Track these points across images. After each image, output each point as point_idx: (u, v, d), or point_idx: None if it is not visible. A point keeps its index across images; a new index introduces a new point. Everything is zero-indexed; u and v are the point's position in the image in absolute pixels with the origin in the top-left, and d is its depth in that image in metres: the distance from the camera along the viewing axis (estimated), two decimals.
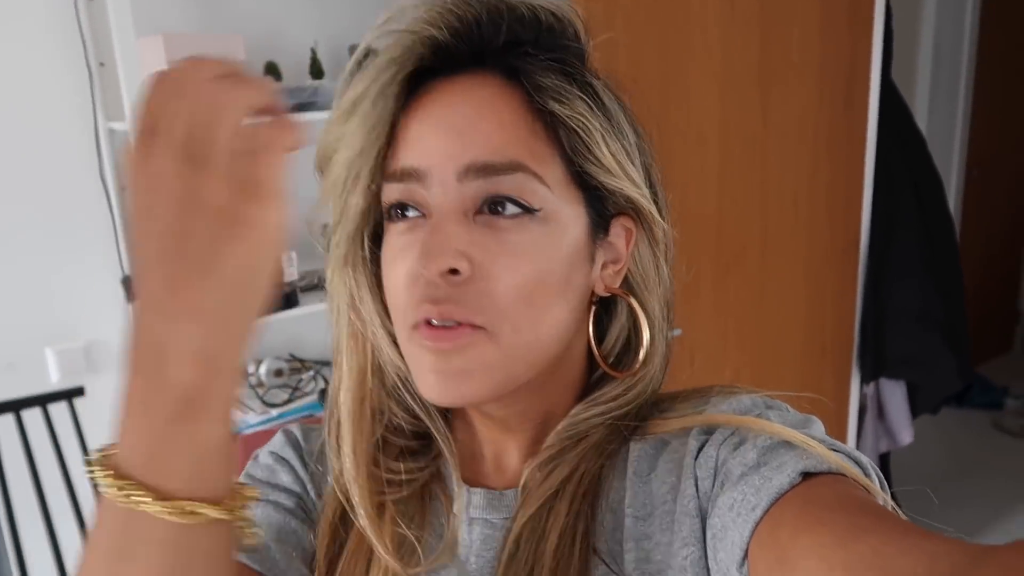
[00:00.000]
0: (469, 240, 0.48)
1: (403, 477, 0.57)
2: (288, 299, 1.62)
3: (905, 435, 2.32)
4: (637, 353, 0.56)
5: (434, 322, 0.49)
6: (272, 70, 1.69)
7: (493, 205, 0.49)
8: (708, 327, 1.84)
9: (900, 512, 0.43)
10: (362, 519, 0.55)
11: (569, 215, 0.52)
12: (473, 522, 0.57)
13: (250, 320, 0.38)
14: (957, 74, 3.34)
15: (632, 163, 0.54)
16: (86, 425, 1.60)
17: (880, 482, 0.46)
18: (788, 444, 0.47)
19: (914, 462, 2.81)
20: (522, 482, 0.55)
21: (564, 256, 0.51)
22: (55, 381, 1.67)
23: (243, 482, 0.53)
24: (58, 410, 1.57)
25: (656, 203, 0.56)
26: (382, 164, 0.51)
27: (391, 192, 0.51)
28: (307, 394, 1.81)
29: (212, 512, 0.37)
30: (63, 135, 1.60)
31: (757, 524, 0.42)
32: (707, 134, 1.77)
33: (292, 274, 1.67)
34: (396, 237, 0.51)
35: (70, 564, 1.50)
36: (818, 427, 0.50)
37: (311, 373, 1.87)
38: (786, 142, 1.91)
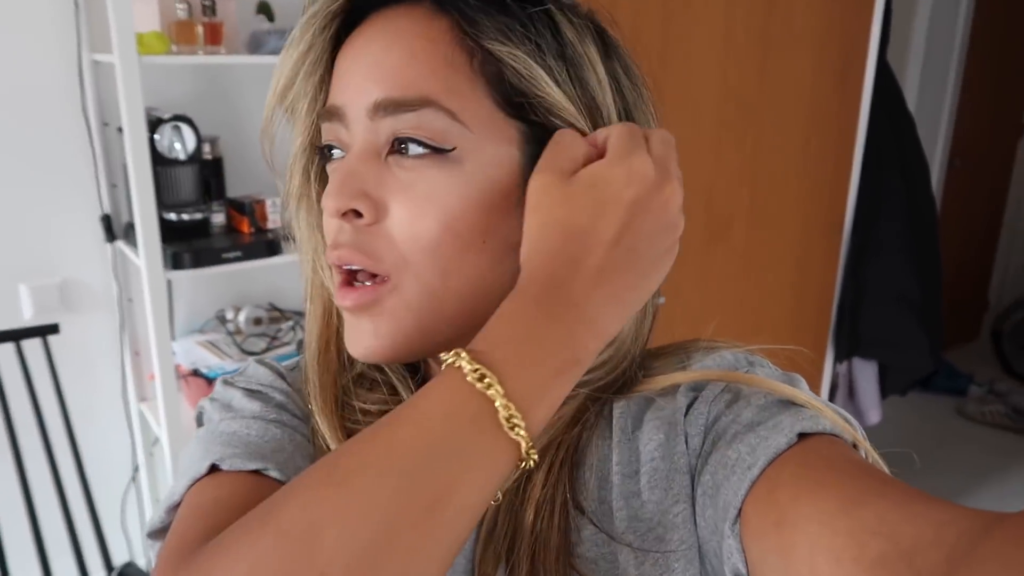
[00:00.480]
0: (376, 181, 0.46)
1: (387, 407, 0.54)
2: (270, 247, 1.59)
3: (873, 414, 2.36)
4: None
5: (354, 269, 0.47)
6: (264, 10, 1.64)
7: (400, 144, 0.46)
8: (692, 296, 1.85)
9: (887, 469, 0.43)
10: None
11: (492, 156, 0.47)
12: None
13: None
14: (947, 65, 3.36)
15: (604, 103, 0.49)
16: (59, 363, 1.57)
17: (866, 442, 0.46)
18: (783, 403, 0.46)
19: (878, 442, 2.86)
20: None
21: (481, 201, 0.47)
22: (28, 318, 1.64)
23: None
24: (31, 347, 1.54)
25: None
26: (323, 100, 0.49)
27: (323, 131, 0.50)
28: (286, 343, 1.79)
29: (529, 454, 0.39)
30: (44, 66, 1.55)
31: (753, 483, 0.41)
32: (704, 101, 1.76)
33: (276, 221, 1.65)
34: (330, 177, 0.50)
35: (38, 500, 1.48)
36: (802, 384, 0.49)
37: (290, 323, 1.85)
38: (781, 115, 1.91)
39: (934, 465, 2.88)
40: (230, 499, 0.45)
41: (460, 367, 0.38)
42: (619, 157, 0.45)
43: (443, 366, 0.40)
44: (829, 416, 0.44)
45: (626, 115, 0.52)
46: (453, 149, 0.46)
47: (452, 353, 0.39)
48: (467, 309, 0.49)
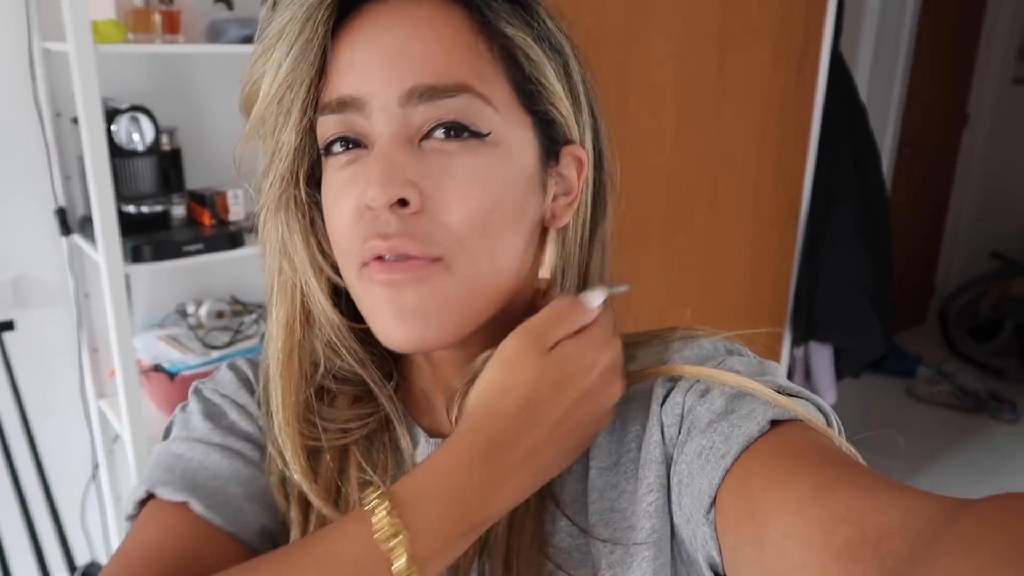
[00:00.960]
0: (417, 169, 0.46)
1: (350, 425, 0.55)
2: (232, 239, 1.57)
3: (829, 396, 2.43)
4: (575, 282, 0.54)
5: (385, 257, 0.46)
6: None
7: (439, 130, 0.46)
8: (654, 284, 1.88)
9: (860, 458, 0.44)
10: (296, 474, 0.52)
11: (519, 139, 0.49)
12: None
13: None
14: (896, 52, 3.44)
15: (580, 94, 0.52)
16: (14, 362, 1.53)
17: (839, 427, 0.47)
18: (757, 393, 0.46)
19: None
20: (454, 411, 0.52)
21: (516, 182, 0.49)
22: None
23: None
24: None
25: (598, 139, 0.54)
26: (315, 96, 0.47)
27: (327, 125, 0.48)
28: (249, 337, 1.77)
29: None
30: None
31: (727, 472, 0.42)
32: (665, 93, 1.79)
33: (238, 213, 1.62)
34: (336, 173, 0.48)
35: None
36: (778, 371, 0.50)
37: (253, 316, 1.83)
38: (740, 105, 1.94)
39: (886, 444, 2.98)
40: (156, 537, 0.49)
41: (375, 516, 0.42)
42: (595, 344, 0.49)
43: (364, 505, 0.43)
44: (796, 408, 0.44)
45: (591, 109, 0.54)
46: (489, 134, 0.47)
47: (376, 495, 0.42)
48: (504, 289, 0.50)
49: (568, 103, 0.51)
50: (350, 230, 0.47)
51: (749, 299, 2.17)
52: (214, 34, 1.52)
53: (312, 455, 0.54)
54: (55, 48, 1.45)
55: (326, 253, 0.52)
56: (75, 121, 1.42)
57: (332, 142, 0.48)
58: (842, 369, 2.43)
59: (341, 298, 0.53)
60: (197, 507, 0.49)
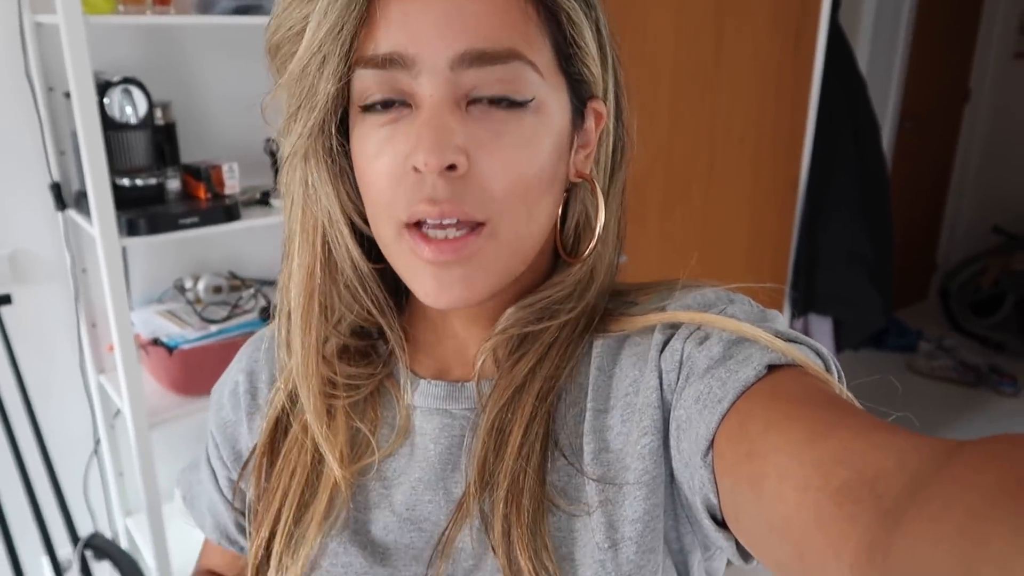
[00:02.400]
0: (465, 134, 0.46)
1: (356, 382, 0.57)
2: (228, 212, 1.56)
3: (843, 380, 2.44)
4: (592, 236, 0.55)
5: (428, 221, 0.47)
6: None
7: (487, 96, 0.47)
8: (653, 256, 1.87)
9: (857, 402, 0.44)
10: (309, 416, 0.55)
11: (556, 103, 0.50)
12: (431, 412, 0.57)
13: None
14: (897, 25, 3.41)
15: (606, 48, 0.53)
16: (13, 337, 1.54)
17: (839, 373, 0.47)
18: (753, 339, 0.47)
19: None
20: (479, 363, 0.55)
21: (553, 147, 0.50)
22: None
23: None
24: None
25: (619, 91, 0.56)
26: (355, 46, 0.47)
27: (368, 79, 0.47)
28: (247, 311, 1.77)
29: None
30: None
31: (724, 416, 0.43)
32: (661, 65, 1.77)
33: (234, 187, 1.62)
34: (374, 129, 0.48)
35: None
36: (779, 320, 0.51)
37: (251, 291, 1.83)
38: (736, 78, 1.93)
39: (885, 418, 2.98)
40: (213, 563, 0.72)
41: None
42: None
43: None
44: (793, 352, 0.45)
45: (614, 61, 0.55)
46: (533, 99, 0.48)
47: None
48: (536, 248, 0.52)
49: (598, 61, 0.52)
50: (391, 189, 0.48)
51: (748, 272, 2.17)
52: (205, 5, 1.51)
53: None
54: (45, 21, 1.44)
55: (351, 198, 0.53)
56: (68, 95, 1.42)
57: (371, 96, 0.48)
58: (842, 341, 2.44)
59: (364, 243, 0.55)
60: (222, 542, 0.68)
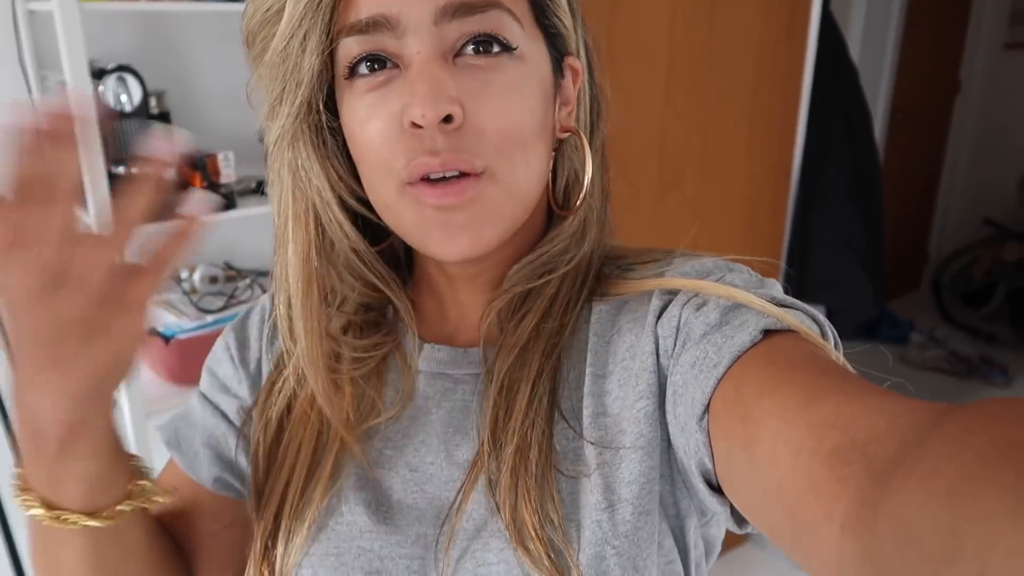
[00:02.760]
0: (456, 85, 0.47)
1: (363, 354, 0.58)
2: (225, 202, 1.57)
3: (840, 347, 2.45)
4: (581, 189, 0.56)
5: (432, 175, 0.48)
6: None
7: (473, 45, 0.48)
8: (647, 242, 1.88)
9: (851, 367, 0.44)
10: (319, 397, 0.56)
11: (538, 53, 0.52)
12: (435, 376, 0.58)
13: (108, 395, 0.45)
14: (888, 16, 3.43)
15: (575, 5, 0.55)
16: None
17: (835, 339, 0.47)
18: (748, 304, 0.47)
19: None
20: (485, 324, 0.56)
21: (540, 94, 0.51)
22: None
23: (147, 481, 0.55)
24: None
25: (588, 49, 0.57)
26: (334, 19, 0.47)
27: (351, 46, 0.48)
28: (242, 301, 1.77)
29: (85, 520, 0.48)
30: None
31: (719, 381, 0.43)
32: (654, 51, 1.78)
33: (229, 176, 1.62)
34: (363, 95, 0.49)
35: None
36: (777, 288, 0.51)
37: (247, 281, 1.83)
38: (729, 64, 1.93)
39: (880, 383, 3.00)
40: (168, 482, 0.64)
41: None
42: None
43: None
44: (788, 318, 0.45)
45: (582, 20, 0.56)
46: (516, 47, 0.49)
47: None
48: (534, 198, 0.53)
49: (569, 16, 0.53)
50: (388, 149, 0.48)
51: (741, 260, 2.18)
52: None
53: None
54: (39, 8, 1.44)
55: (342, 177, 0.54)
56: (62, 83, 1.42)
57: (357, 63, 0.48)
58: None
59: (359, 225, 0.56)
60: (179, 461, 0.64)
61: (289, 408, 0.60)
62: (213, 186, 1.60)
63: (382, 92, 0.48)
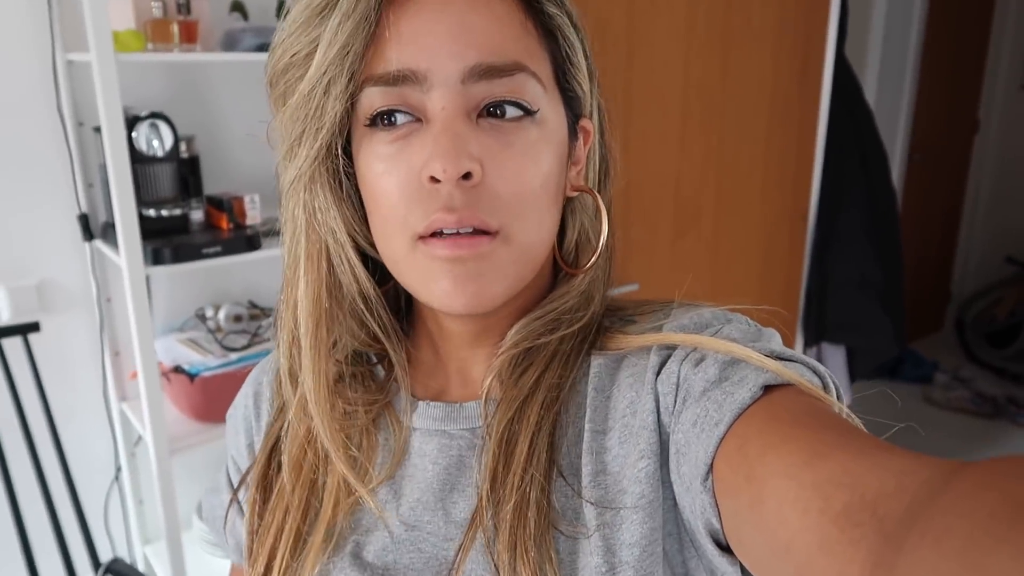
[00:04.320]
0: (478, 144, 0.47)
1: (354, 408, 0.57)
2: (249, 242, 1.61)
3: (843, 399, 2.43)
4: (593, 249, 0.56)
5: (446, 231, 0.48)
6: (238, 8, 1.67)
7: (497, 108, 0.48)
8: (662, 284, 1.90)
9: (856, 420, 0.44)
10: (325, 439, 0.54)
11: (557, 116, 0.52)
12: (430, 433, 0.57)
13: None
14: (904, 59, 3.46)
15: (593, 69, 0.55)
16: (40, 362, 1.58)
17: (837, 391, 0.47)
18: (747, 359, 0.46)
19: None
20: (489, 379, 0.55)
21: (556, 158, 0.52)
22: (5, 319, 1.64)
23: None
24: (11, 347, 1.54)
25: (600, 111, 0.57)
26: (361, 67, 0.48)
27: (376, 96, 0.48)
28: (266, 340, 1.80)
29: None
30: (18, 66, 1.56)
31: (721, 439, 0.42)
32: (669, 96, 1.82)
33: (255, 218, 1.66)
34: (383, 146, 0.49)
35: (22, 499, 1.48)
36: (776, 338, 0.51)
37: (270, 320, 1.86)
38: (743, 109, 1.97)
39: (885, 428, 2.95)
40: None
41: None
42: None
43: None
44: (787, 373, 0.44)
45: (597, 83, 0.57)
46: (538, 111, 0.50)
47: None
48: (542, 258, 0.53)
49: (587, 79, 0.54)
50: (405, 203, 0.48)
51: (759, 301, 2.18)
52: (230, 43, 1.57)
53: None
54: (77, 59, 1.51)
55: (354, 223, 0.53)
56: (97, 130, 1.47)
57: (381, 114, 0.49)
58: (856, 371, 2.44)
59: (368, 267, 0.55)
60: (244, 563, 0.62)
61: (275, 463, 0.59)
62: (239, 227, 1.64)
63: (402, 144, 0.48)
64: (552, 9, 0.51)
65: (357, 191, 0.53)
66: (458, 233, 0.48)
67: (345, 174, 0.52)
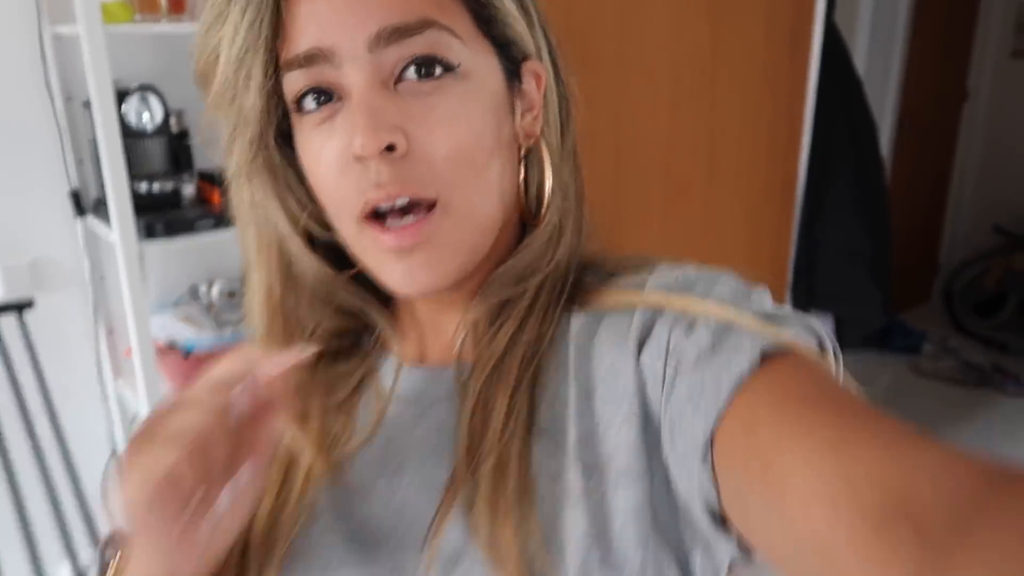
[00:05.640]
0: (399, 112, 0.46)
1: (335, 382, 0.57)
2: None
3: (839, 356, 2.46)
4: (562, 198, 0.55)
5: (382, 207, 0.47)
6: None
7: (413, 68, 0.47)
8: (654, 253, 1.91)
9: (856, 389, 0.41)
10: (288, 432, 0.54)
11: (486, 66, 0.50)
12: (410, 399, 0.56)
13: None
14: (894, 27, 3.45)
15: (530, 9, 0.53)
16: (35, 342, 1.58)
17: (833, 349, 0.46)
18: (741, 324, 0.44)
19: None
20: (459, 340, 0.54)
21: (490, 109, 0.50)
22: None
23: None
24: (6, 326, 1.54)
25: (553, 53, 0.55)
26: (275, 55, 0.47)
27: (294, 81, 0.47)
28: None
29: None
30: (4, 41, 1.54)
31: (721, 414, 0.41)
32: (659, 68, 1.82)
33: None
34: (312, 129, 0.48)
35: (20, 477, 1.49)
36: (765, 296, 0.49)
37: None
38: (733, 79, 1.97)
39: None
40: None
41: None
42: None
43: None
44: (784, 336, 0.43)
45: (542, 24, 0.55)
46: (459, 65, 0.48)
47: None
48: (496, 220, 0.52)
49: (522, 20, 0.52)
50: (340, 184, 0.48)
51: (749, 270, 2.18)
52: None
53: None
54: (65, 32, 1.49)
55: (303, 204, 0.53)
56: (86, 105, 1.46)
57: (303, 96, 0.48)
58: (843, 340, 2.46)
59: (319, 249, 0.54)
60: None
61: None
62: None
63: (329, 126, 0.48)
64: None
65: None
66: (395, 209, 0.47)
67: (288, 161, 0.52)
